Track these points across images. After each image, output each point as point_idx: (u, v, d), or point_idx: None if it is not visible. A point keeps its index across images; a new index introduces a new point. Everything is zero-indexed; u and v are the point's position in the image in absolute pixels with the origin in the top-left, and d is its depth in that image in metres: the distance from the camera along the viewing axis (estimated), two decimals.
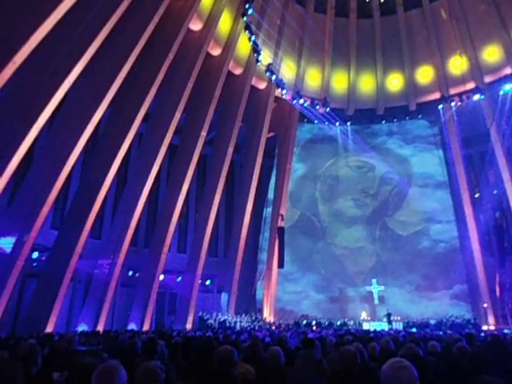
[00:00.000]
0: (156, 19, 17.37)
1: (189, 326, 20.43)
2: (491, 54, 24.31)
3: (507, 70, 23.60)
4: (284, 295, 25.66)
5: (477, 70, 24.63)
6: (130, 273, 20.99)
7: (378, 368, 3.65)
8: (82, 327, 16.94)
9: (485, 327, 21.44)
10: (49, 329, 14.81)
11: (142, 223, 22.39)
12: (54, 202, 15.92)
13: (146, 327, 18.93)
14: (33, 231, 14.32)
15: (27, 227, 14.26)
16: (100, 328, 16.98)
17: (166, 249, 20.35)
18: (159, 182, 23.65)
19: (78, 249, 16.27)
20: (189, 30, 20.27)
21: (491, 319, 22.34)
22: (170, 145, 20.74)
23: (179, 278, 22.57)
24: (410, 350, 3.96)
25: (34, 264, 16.93)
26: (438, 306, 23.71)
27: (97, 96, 15.94)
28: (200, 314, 22.02)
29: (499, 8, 23.14)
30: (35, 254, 16.46)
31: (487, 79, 24.55)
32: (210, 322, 21.25)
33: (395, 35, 26.58)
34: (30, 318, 15.37)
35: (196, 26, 21.06)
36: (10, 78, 12.31)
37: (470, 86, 24.93)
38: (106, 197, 18.14)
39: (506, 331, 16.16)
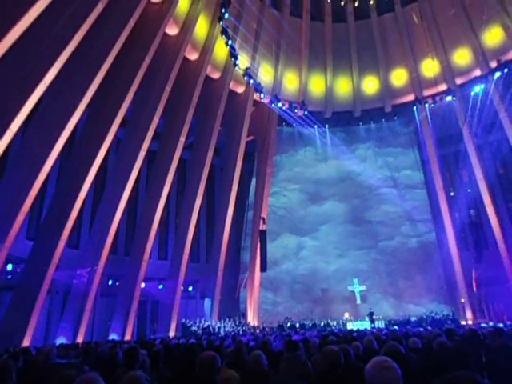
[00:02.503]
0: (132, 23, 17.16)
1: (172, 333, 20.13)
2: (461, 56, 25.16)
3: (477, 72, 24.45)
4: (263, 305, 25.48)
5: (448, 72, 25.44)
6: (110, 282, 20.55)
7: (362, 367, 3.68)
8: (60, 340, 16.41)
9: (463, 322, 22.01)
10: (25, 343, 14.30)
11: (121, 230, 21.98)
12: (29, 211, 15.43)
13: (127, 337, 18.54)
14: (7, 242, 13.80)
15: (0, 238, 13.75)
16: (79, 340, 16.51)
17: (146, 256, 20.03)
18: (138, 188, 23.33)
19: (55, 259, 15.79)
20: (165, 35, 20.14)
21: (469, 314, 22.97)
22: (149, 150, 20.47)
23: (161, 286, 22.25)
24: (392, 347, 4.00)
25: (9, 276, 16.34)
26: (417, 303, 24.23)
27: (73, 100, 15.58)
28: (183, 320, 21.73)
29: (468, 12, 24.00)
30: (10, 266, 15.89)
31: (458, 81, 25.37)
32: (193, 328, 20.98)
33: (369, 39, 27.18)
34: (5, 333, 14.77)
35: (172, 30, 20.94)
36: None
37: (443, 87, 25.73)
38: (83, 204, 17.72)
39: (483, 325, 16.64)
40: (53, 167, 15.88)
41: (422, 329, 13.44)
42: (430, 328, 13.79)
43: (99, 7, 15.28)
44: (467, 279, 23.49)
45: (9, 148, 14.20)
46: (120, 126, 18.55)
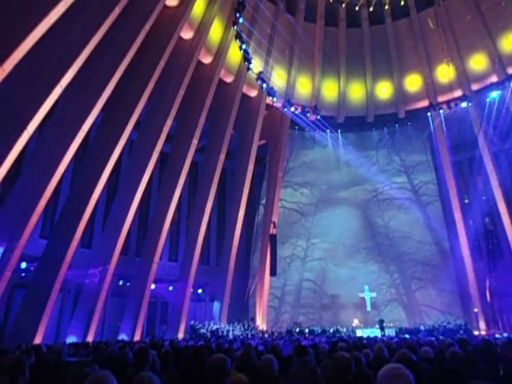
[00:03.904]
0: (147, 27, 17.40)
1: (181, 335, 20.19)
2: (477, 62, 24.82)
3: (493, 78, 24.09)
4: (272, 309, 25.41)
5: (464, 78, 25.11)
6: (121, 282, 20.74)
7: (372, 375, 3.63)
8: (71, 339, 16.61)
9: (476, 332, 21.56)
10: (37, 340, 14.50)
11: (133, 231, 22.18)
12: (43, 211, 15.69)
13: (137, 337, 18.65)
14: (21, 240, 14.06)
15: (15, 236, 14.00)
16: (90, 339, 16.68)
17: (157, 257, 20.16)
18: (150, 189, 23.52)
19: (68, 258, 16.01)
20: (180, 39, 20.35)
21: (482, 324, 22.50)
22: (162, 152, 20.66)
23: (171, 287, 22.34)
24: (404, 355, 3.94)
25: (23, 274, 16.63)
26: (429, 311, 23.87)
27: (88, 103, 15.85)
28: (192, 323, 21.79)
29: (484, 18, 23.69)
30: (23, 264, 16.18)
31: (474, 87, 25.02)
32: (202, 331, 21.02)
33: (384, 44, 27.04)
34: (18, 330, 15.03)
35: (187, 34, 21.16)
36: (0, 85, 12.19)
37: (458, 93, 25.39)
38: (96, 205, 17.94)
39: (497, 336, 16.26)
40: (67, 168, 16.14)
41: (433, 338, 13.23)
42: (441, 337, 13.56)
43: (116, 11, 15.53)
44: (481, 288, 23.03)
45: (25, 149, 14.49)
46: (134, 128, 18.78)
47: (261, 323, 24.15)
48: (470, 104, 24.62)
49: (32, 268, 16.71)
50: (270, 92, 25.22)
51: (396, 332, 21.29)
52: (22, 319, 15.26)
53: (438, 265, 24.90)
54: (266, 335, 21.73)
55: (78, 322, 17.64)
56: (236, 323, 22.54)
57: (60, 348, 5.74)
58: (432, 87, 26.45)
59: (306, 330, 22.55)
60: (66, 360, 5.41)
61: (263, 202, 26.94)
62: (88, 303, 17.78)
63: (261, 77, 24.54)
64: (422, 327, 21.86)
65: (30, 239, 14.79)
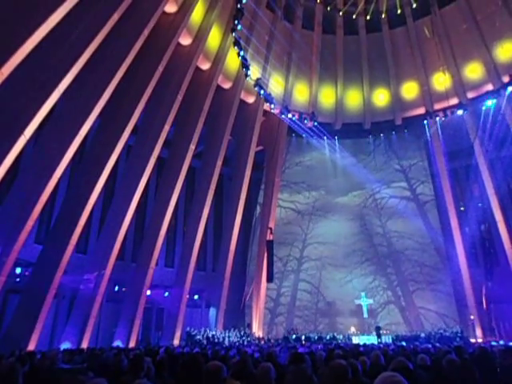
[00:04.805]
0: (146, 33, 17.48)
1: (176, 341, 20.04)
2: (473, 70, 25.07)
3: (488, 87, 24.32)
4: (267, 315, 25.35)
5: (460, 86, 25.36)
6: (117, 288, 20.59)
7: (369, 383, 3.61)
8: (65, 345, 16.42)
9: (472, 340, 21.52)
10: (31, 347, 14.34)
11: (129, 237, 22.05)
12: (39, 216, 15.60)
13: (132, 344, 18.49)
14: (16, 245, 13.96)
15: (11, 241, 13.90)
16: (84, 345, 16.50)
17: (153, 263, 20.06)
18: (147, 195, 23.45)
19: (63, 264, 15.90)
20: (178, 44, 20.45)
21: (479, 332, 22.48)
22: (159, 158, 20.65)
23: (167, 293, 22.21)
24: (400, 363, 3.93)
25: (17, 279, 16.48)
26: (426, 318, 23.83)
27: (86, 108, 15.85)
28: (188, 329, 21.63)
29: (480, 27, 23.97)
30: (18, 269, 16.05)
31: (470, 95, 25.25)
32: (198, 337, 20.87)
33: (380, 52, 27.30)
34: (12, 336, 14.85)
35: (186, 40, 21.27)
36: None
37: (454, 101, 25.61)
38: (92, 210, 17.86)
39: (493, 343, 16.25)
40: (64, 173, 16.08)
41: (430, 345, 13.19)
42: (438, 345, 13.54)
43: (115, 17, 15.61)
44: (477, 296, 23.05)
45: (22, 153, 14.43)
46: (131, 134, 18.77)
47: (257, 330, 24.02)
48: (466, 112, 24.83)
49: (27, 273, 16.57)
50: (268, 98, 25.32)
51: (393, 339, 21.23)
52: (16, 325, 15.09)
53: (435, 266, 24.91)
54: (262, 342, 21.60)
55: (72, 328, 17.45)
56: (232, 330, 22.40)
57: (54, 355, 5.68)
58: (428, 95, 26.68)
59: (303, 337, 22.45)
60: (60, 367, 5.35)
61: (260, 201, 26.98)
62: (83, 309, 17.62)
63: (258, 83, 24.65)
64: (418, 334, 21.78)
65: (25, 244, 14.68)
